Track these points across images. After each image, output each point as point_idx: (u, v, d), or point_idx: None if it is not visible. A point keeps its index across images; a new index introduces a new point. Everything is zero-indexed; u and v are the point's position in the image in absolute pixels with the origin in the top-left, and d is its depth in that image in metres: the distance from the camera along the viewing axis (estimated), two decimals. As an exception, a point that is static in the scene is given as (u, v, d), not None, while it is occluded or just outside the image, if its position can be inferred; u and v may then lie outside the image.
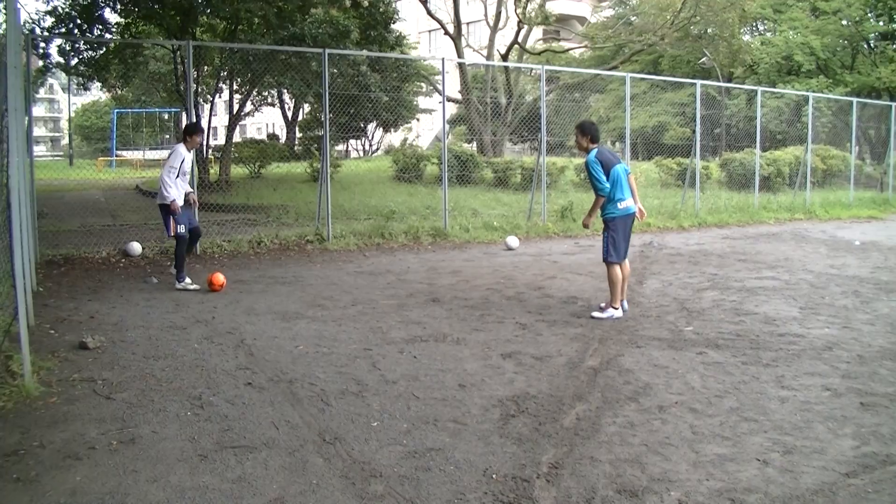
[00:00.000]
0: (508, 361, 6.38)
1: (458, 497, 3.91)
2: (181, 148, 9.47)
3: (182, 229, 9.39)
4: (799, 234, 16.25)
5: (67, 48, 20.56)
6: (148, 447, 4.48)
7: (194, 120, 13.62)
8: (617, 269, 8.07)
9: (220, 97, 28.45)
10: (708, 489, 3.98)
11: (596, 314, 8.12)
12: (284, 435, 4.70)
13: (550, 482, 4.07)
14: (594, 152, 8.02)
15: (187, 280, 9.51)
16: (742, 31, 35.28)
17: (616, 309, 8.11)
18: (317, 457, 4.38)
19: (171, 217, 9.34)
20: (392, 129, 44.26)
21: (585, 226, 8.37)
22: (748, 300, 8.98)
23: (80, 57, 20.99)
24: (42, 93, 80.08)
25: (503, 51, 30.13)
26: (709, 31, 30.88)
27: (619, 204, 8.02)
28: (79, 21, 19.13)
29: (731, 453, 4.44)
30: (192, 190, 9.92)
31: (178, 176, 9.36)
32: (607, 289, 8.24)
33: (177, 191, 9.33)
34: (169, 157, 9.66)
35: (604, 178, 7.91)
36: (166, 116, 51.48)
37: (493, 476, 4.14)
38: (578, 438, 4.67)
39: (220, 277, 9.35)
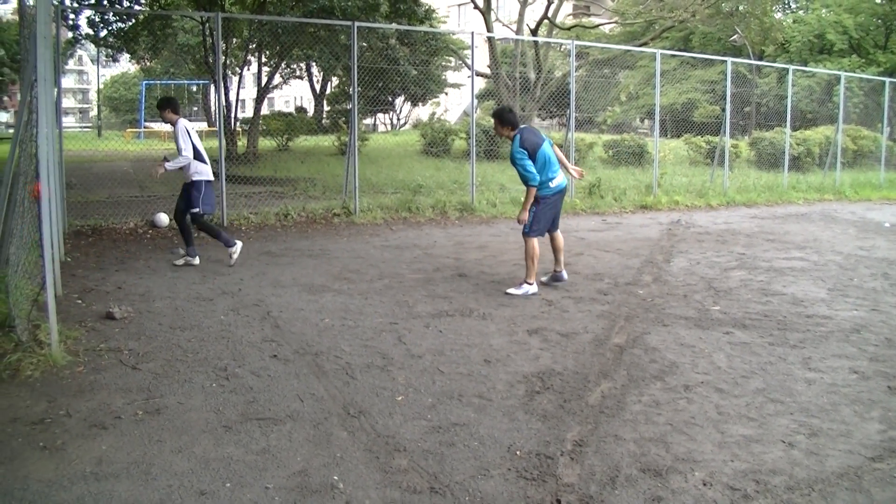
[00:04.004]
0: (534, 338, 6.36)
1: (481, 473, 3.90)
2: None
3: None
4: (828, 215, 16.06)
5: (97, 19, 20.69)
6: (173, 417, 4.52)
7: (223, 91, 13.58)
8: (535, 242, 7.89)
9: (248, 70, 28.50)
10: (732, 470, 3.96)
11: (511, 290, 7.90)
12: (309, 408, 4.72)
13: (574, 459, 4.06)
14: (517, 140, 7.73)
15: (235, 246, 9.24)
16: (774, 8, 34.75)
17: (531, 284, 7.92)
18: (341, 430, 4.39)
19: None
20: (420, 104, 44.17)
21: (520, 221, 7.91)
22: (776, 280, 8.89)
23: (109, 28, 21.12)
24: (71, 64, 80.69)
25: (533, 25, 29.85)
26: (740, 8, 30.41)
27: (550, 183, 7.82)
28: (108, -8, 19.22)
29: (757, 434, 4.41)
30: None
31: None
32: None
33: None
34: None
35: (532, 168, 7.64)
36: (195, 88, 51.63)
37: (517, 452, 4.13)
38: (603, 416, 4.65)
39: None
